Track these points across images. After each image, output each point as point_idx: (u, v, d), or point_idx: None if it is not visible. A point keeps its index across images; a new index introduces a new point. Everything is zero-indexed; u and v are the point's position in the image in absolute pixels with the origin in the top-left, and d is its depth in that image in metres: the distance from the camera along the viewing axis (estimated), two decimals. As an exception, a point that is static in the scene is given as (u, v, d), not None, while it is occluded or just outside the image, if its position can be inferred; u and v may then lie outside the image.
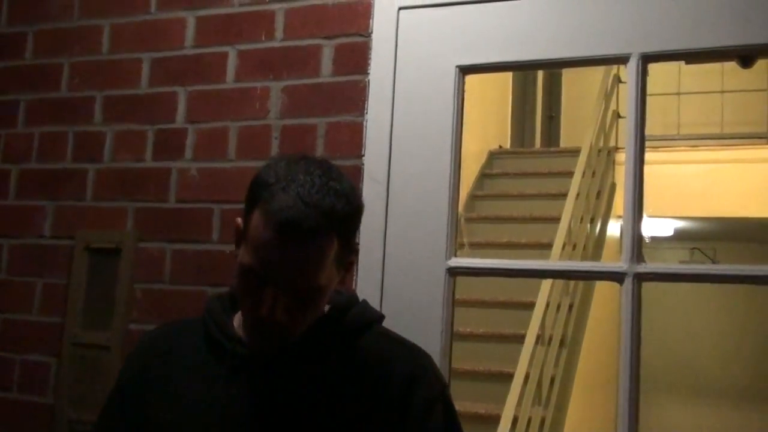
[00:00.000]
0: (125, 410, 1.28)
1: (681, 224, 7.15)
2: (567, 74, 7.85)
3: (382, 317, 1.31)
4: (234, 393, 1.18)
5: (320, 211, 1.08)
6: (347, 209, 1.12)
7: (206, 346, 1.24)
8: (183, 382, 1.23)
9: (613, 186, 5.66)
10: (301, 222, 1.06)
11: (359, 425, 1.15)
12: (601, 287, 4.96)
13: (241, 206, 1.19)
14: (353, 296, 1.32)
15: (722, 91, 7.01)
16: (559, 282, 4.26)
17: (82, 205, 2.02)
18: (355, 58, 1.80)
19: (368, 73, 1.78)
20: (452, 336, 1.65)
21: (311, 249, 1.08)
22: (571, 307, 4.58)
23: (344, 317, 1.23)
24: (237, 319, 1.25)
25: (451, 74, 1.70)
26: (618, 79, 5.72)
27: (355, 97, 1.78)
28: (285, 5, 1.88)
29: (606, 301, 4.96)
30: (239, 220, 1.17)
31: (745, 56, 2.04)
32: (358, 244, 1.21)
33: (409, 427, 1.15)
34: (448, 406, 1.23)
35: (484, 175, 6.17)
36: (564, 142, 7.76)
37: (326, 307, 1.24)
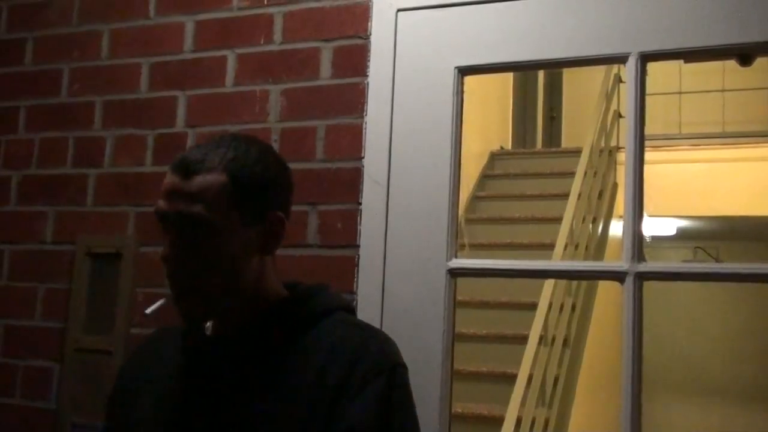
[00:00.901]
0: (115, 419, 1.32)
1: (683, 223, 7.14)
2: (568, 74, 7.85)
3: (347, 306, 1.30)
4: (190, 383, 1.22)
5: (211, 153, 1.18)
6: (243, 160, 1.19)
7: (182, 344, 1.27)
8: (160, 383, 1.26)
9: (615, 186, 5.66)
10: (189, 156, 1.18)
11: (307, 411, 1.13)
12: (604, 287, 4.95)
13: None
14: (319, 286, 1.31)
15: (723, 90, 7.01)
16: (562, 282, 4.26)
17: (83, 211, 2.02)
18: (354, 60, 1.80)
19: (367, 75, 1.78)
20: (454, 337, 1.65)
21: (197, 178, 1.16)
22: (573, 307, 4.57)
23: (303, 304, 1.24)
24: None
25: (450, 75, 1.70)
26: (619, 79, 5.72)
27: (354, 99, 1.78)
28: (283, 8, 1.89)
29: (609, 301, 4.96)
30: None
31: (744, 54, 2.04)
32: (283, 215, 1.23)
33: (342, 404, 1.12)
34: (394, 387, 1.16)
35: (485, 176, 6.17)
36: (565, 143, 7.76)
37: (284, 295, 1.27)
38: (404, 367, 1.21)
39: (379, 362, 1.17)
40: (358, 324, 1.27)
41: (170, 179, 1.17)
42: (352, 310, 1.31)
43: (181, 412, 1.20)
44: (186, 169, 1.16)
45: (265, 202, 1.21)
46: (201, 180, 1.16)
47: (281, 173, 1.25)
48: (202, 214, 1.15)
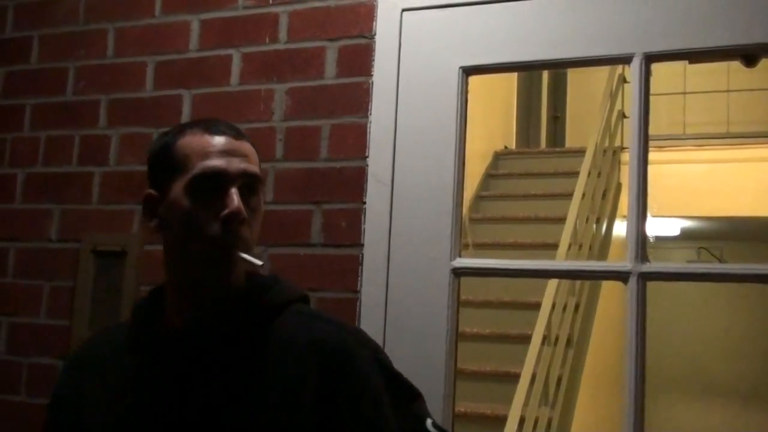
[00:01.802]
0: (60, 427, 1.25)
1: (688, 224, 7.14)
2: (572, 74, 7.84)
3: (304, 297, 1.27)
4: (151, 385, 1.16)
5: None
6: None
7: (128, 345, 1.22)
8: (109, 386, 1.20)
9: (619, 186, 5.65)
10: (231, 125, 1.22)
11: (289, 412, 1.10)
12: (608, 287, 4.95)
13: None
14: (274, 277, 1.28)
15: (728, 90, 7.00)
16: (565, 282, 4.26)
17: (88, 208, 2.03)
18: (359, 59, 1.80)
19: (372, 75, 1.78)
20: (457, 337, 1.65)
21: (246, 142, 1.20)
22: (577, 307, 4.57)
23: (262, 296, 1.20)
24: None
25: (455, 75, 1.70)
26: (623, 79, 5.71)
27: (358, 99, 1.79)
28: (288, 8, 1.89)
29: (613, 301, 4.96)
30: (150, 191, 1.20)
31: (749, 55, 2.04)
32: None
33: (347, 411, 1.11)
34: (386, 372, 1.18)
35: (489, 176, 6.17)
36: (569, 143, 7.75)
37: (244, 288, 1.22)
38: (381, 350, 1.23)
39: (364, 358, 1.16)
40: (323, 317, 1.24)
41: (222, 139, 1.17)
42: (307, 301, 1.28)
43: (144, 420, 1.15)
44: (235, 131, 1.19)
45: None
46: (248, 144, 1.20)
47: None
48: (258, 170, 1.19)
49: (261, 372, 1.14)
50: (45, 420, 1.30)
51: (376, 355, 1.19)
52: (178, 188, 1.15)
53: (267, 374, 1.13)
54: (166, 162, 1.18)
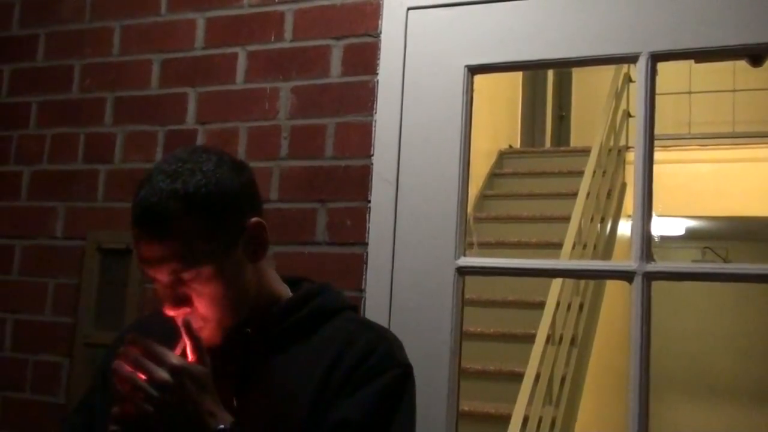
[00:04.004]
0: (101, 393, 1.28)
1: (692, 223, 7.12)
2: (577, 73, 7.83)
3: (352, 306, 1.31)
4: None
5: (169, 192, 1.10)
6: (203, 186, 1.11)
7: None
8: None
9: (624, 185, 5.64)
10: (145, 207, 1.10)
11: (309, 409, 1.13)
12: (612, 286, 4.94)
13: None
14: (324, 285, 1.30)
15: (734, 90, 6.98)
16: (569, 281, 4.25)
17: (93, 206, 2.03)
18: (364, 58, 1.80)
19: (377, 74, 1.78)
20: (462, 335, 1.65)
21: (163, 230, 1.10)
22: (581, 306, 4.57)
23: (310, 304, 1.23)
24: None
25: (460, 74, 1.70)
26: (628, 78, 5.70)
27: (364, 98, 1.79)
28: (294, 6, 1.89)
29: (617, 300, 4.95)
30: None
31: (755, 55, 2.04)
32: (258, 218, 1.18)
33: (341, 397, 1.13)
34: (397, 387, 1.17)
35: (494, 175, 6.16)
36: (574, 142, 7.74)
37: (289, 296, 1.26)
38: (410, 370, 1.21)
39: (385, 362, 1.18)
40: (368, 324, 1.28)
41: (135, 229, 1.11)
42: (356, 310, 1.32)
43: None
44: (153, 229, 1.10)
45: (238, 215, 1.16)
46: (173, 234, 1.09)
47: (241, 177, 1.19)
48: (188, 269, 1.10)
49: (295, 374, 1.17)
50: (87, 389, 1.36)
51: (398, 370, 1.19)
52: None
53: (300, 375, 1.16)
54: None
